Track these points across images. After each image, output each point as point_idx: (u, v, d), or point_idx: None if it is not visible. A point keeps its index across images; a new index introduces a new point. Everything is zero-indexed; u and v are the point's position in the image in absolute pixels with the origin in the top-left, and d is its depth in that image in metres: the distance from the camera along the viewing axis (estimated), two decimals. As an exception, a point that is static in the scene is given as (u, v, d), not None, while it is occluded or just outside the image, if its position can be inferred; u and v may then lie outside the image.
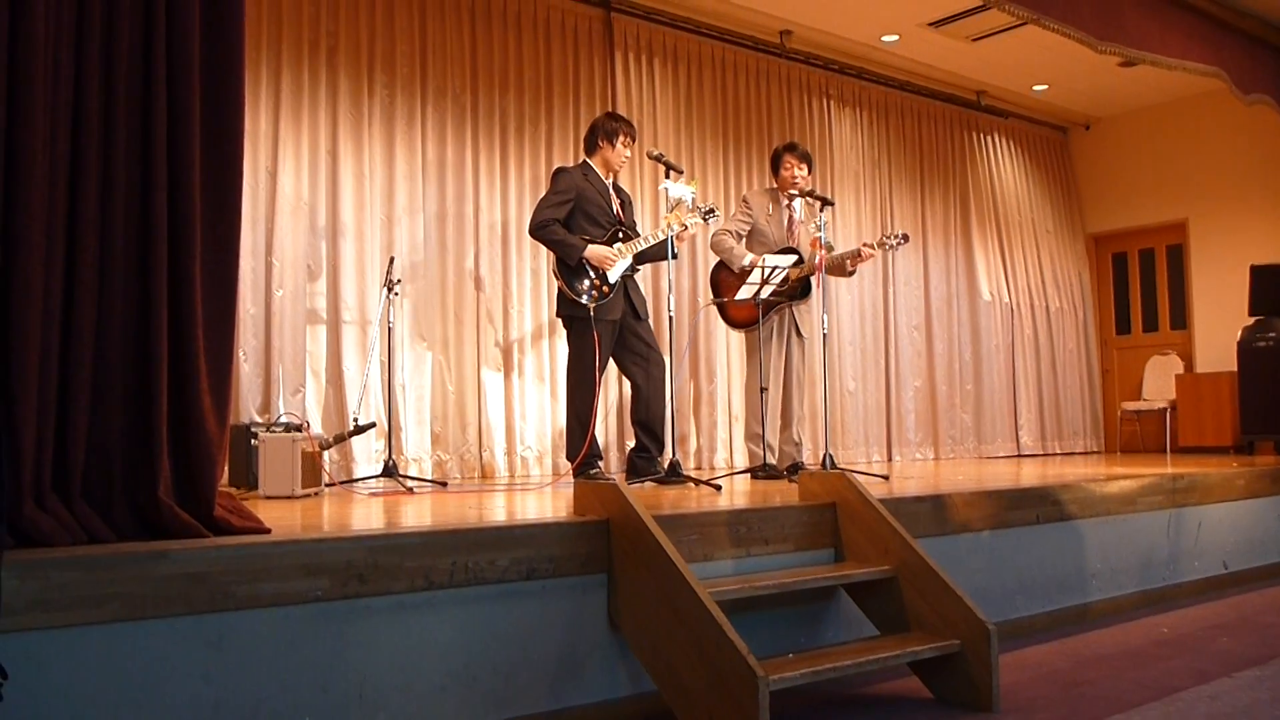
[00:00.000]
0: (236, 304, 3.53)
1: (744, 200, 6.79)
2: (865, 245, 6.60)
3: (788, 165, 6.68)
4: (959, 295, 10.77)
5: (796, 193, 6.66)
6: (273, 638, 3.02)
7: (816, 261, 6.20)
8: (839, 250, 6.83)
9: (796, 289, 6.53)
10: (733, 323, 6.63)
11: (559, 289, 6.01)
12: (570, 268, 5.93)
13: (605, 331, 5.95)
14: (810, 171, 6.75)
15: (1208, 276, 11.23)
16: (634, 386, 6.17)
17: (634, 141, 6.32)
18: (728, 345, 8.76)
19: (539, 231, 6.00)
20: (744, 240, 6.63)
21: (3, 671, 2.50)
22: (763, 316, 6.39)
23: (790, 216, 6.71)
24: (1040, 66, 10.26)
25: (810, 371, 6.80)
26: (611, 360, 6.18)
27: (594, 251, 5.92)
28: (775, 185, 6.81)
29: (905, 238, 6.70)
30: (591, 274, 5.92)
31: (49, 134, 3.02)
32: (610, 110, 7.88)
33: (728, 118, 9.16)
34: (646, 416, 6.07)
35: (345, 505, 4.92)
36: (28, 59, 2.97)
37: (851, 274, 6.91)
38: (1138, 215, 11.84)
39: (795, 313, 6.63)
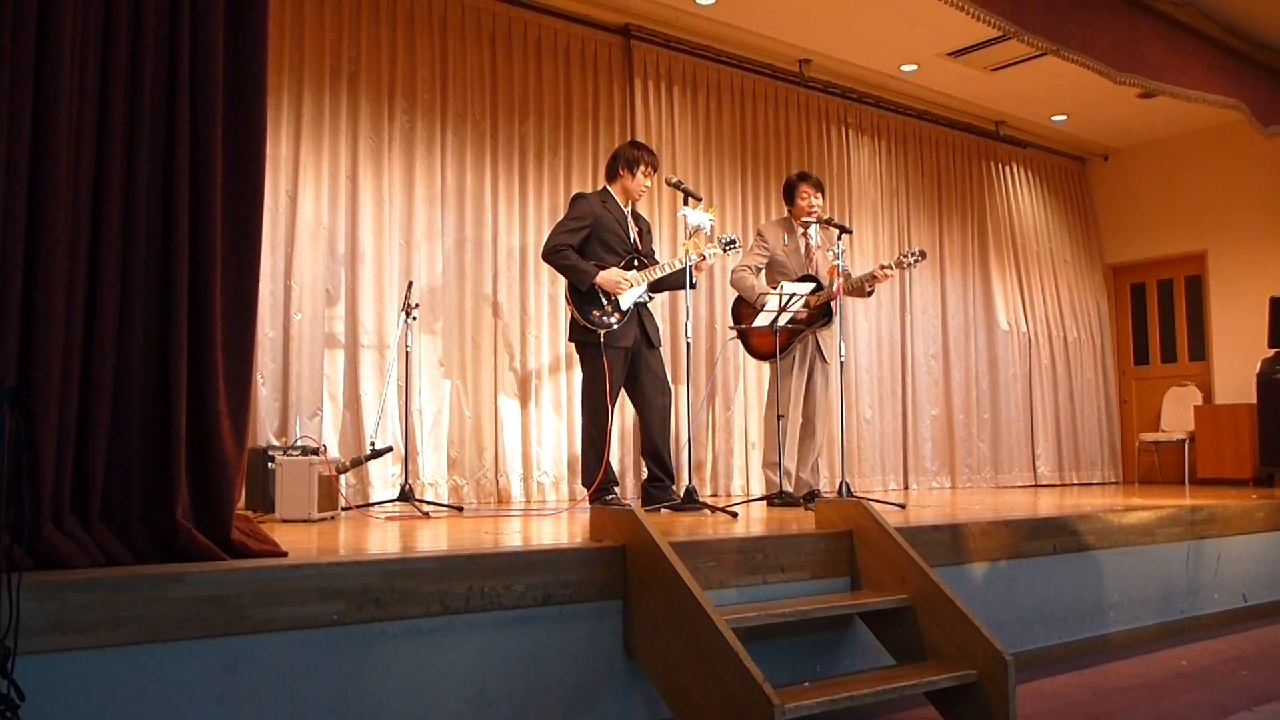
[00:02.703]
0: (255, 327, 3.54)
1: (759, 234, 6.80)
2: (882, 266, 6.61)
3: (804, 194, 6.70)
4: (976, 324, 10.75)
5: (813, 220, 6.67)
6: (289, 661, 3.02)
7: (835, 289, 6.20)
8: (859, 272, 6.84)
9: (818, 315, 6.53)
10: (757, 354, 6.62)
11: (571, 315, 6.02)
12: (582, 293, 5.94)
13: (616, 358, 5.95)
14: (822, 198, 6.77)
15: (1227, 308, 11.19)
16: (641, 417, 6.16)
17: (655, 171, 6.32)
18: (744, 372, 8.75)
19: (551, 256, 6.02)
20: (762, 273, 6.64)
21: (20, 693, 2.50)
22: (786, 346, 6.39)
23: (807, 244, 6.72)
24: (1059, 97, 10.27)
25: (829, 398, 6.78)
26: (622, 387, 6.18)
27: (606, 278, 5.92)
28: (789, 214, 6.82)
29: (922, 254, 6.68)
30: (603, 300, 5.93)
31: (73, 157, 3.05)
32: (631, 138, 7.93)
33: (746, 145, 9.19)
34: (655, 447, 6.05)
35: (361, 529, 4.93)
36: (53, 82, 2.99)
37: (870, 294, 6.90)
38: (1156, 246, 11.82)
39: (819, 338, 6.63)
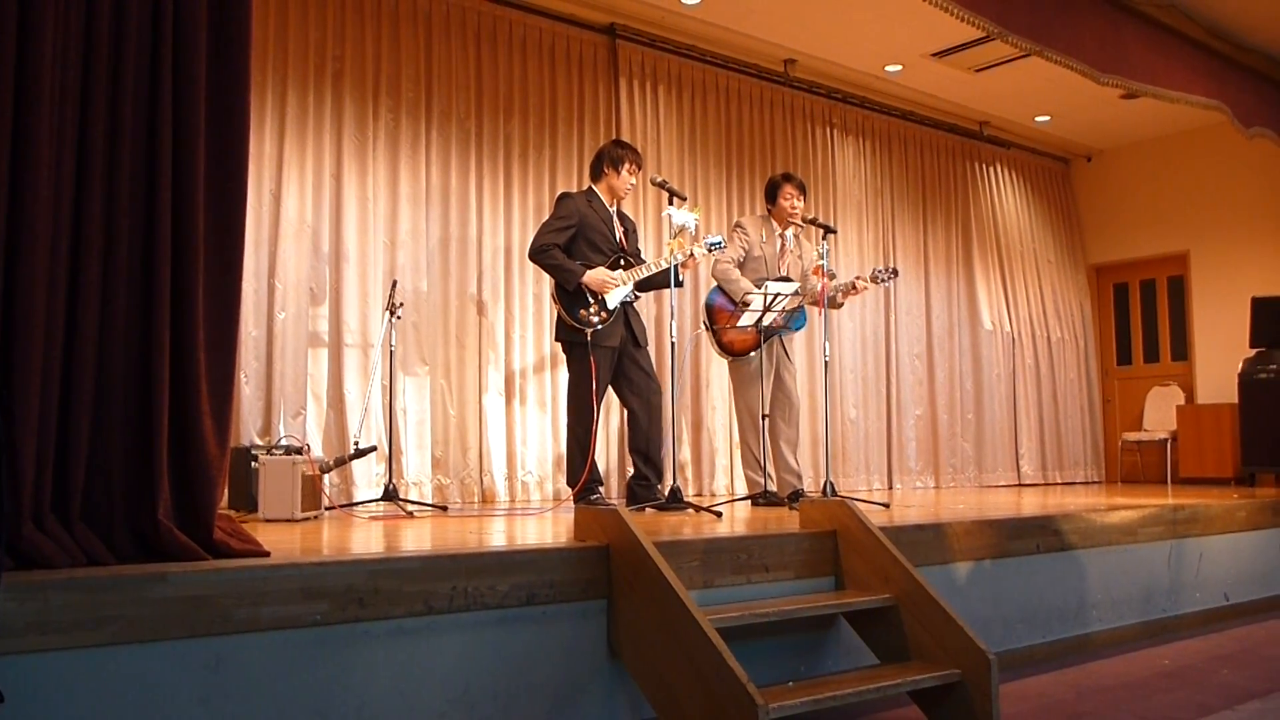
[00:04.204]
0: (239, 326, 3.53)
1: (739, 226, 6.77)
2: (859, 278, 6.63)
3: (787, 195, 6.69)
4: (960, 324, 10.78)
5: (797, 221, 6.67)
6: (271, 662, 3.01)
7: (819, 289, 6.21)
8: (838, 280, 6.85)
9: (790, 319, 6.52)
10: (725, 350, 6.60)
11: (558, 314, 6.02)
12: (569, 293, 5.93)
13: (603, 358, 5.94)
14: (804, 202, 6.77)
15: (1209, 308, 11.25)
16: (631, 415, 6.16)
17: (639, 169, 6.32)
18: (727, 372, 8.74)
19: (538, 256, 6.01)
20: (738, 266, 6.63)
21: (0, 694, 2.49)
22: (754, 347, 6.39)
23: (783, 244, 6.72)
24: (1043, 98, 10.31)
25: (810, 397, 6.79)
26: (611, 387, 6.18)
27: (592, 277, 5.92)
28: (769, 213, 6.81)
29: (895, 272, 6.75)
30: (590, 300, 5.92)
31: (54, 156, 3.03)
32: (616, 137, 7.92)
33: (731, 145, 9.20)
34: (645, 445, 6.05)
35: (345, 529, 4.91)
36: (34, 80, 2.98)
37: (840, 306, 6.91)
38: (1139, 246, 11.88)
39: (783, 339, 6.63)
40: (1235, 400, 10.17)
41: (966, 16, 6.76)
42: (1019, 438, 11.13)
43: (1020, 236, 11.59)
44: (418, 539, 4.34)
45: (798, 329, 6.69)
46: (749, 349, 6.44)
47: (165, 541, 3.08)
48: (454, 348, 7.43)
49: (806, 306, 6.69)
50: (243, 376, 6.46)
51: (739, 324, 6.28)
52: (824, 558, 4.43)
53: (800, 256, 6.80)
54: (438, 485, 7.25)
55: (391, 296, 6.32)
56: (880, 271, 6.69)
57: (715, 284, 6.64)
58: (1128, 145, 11.93)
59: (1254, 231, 10.93)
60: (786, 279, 6.53)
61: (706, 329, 6.62)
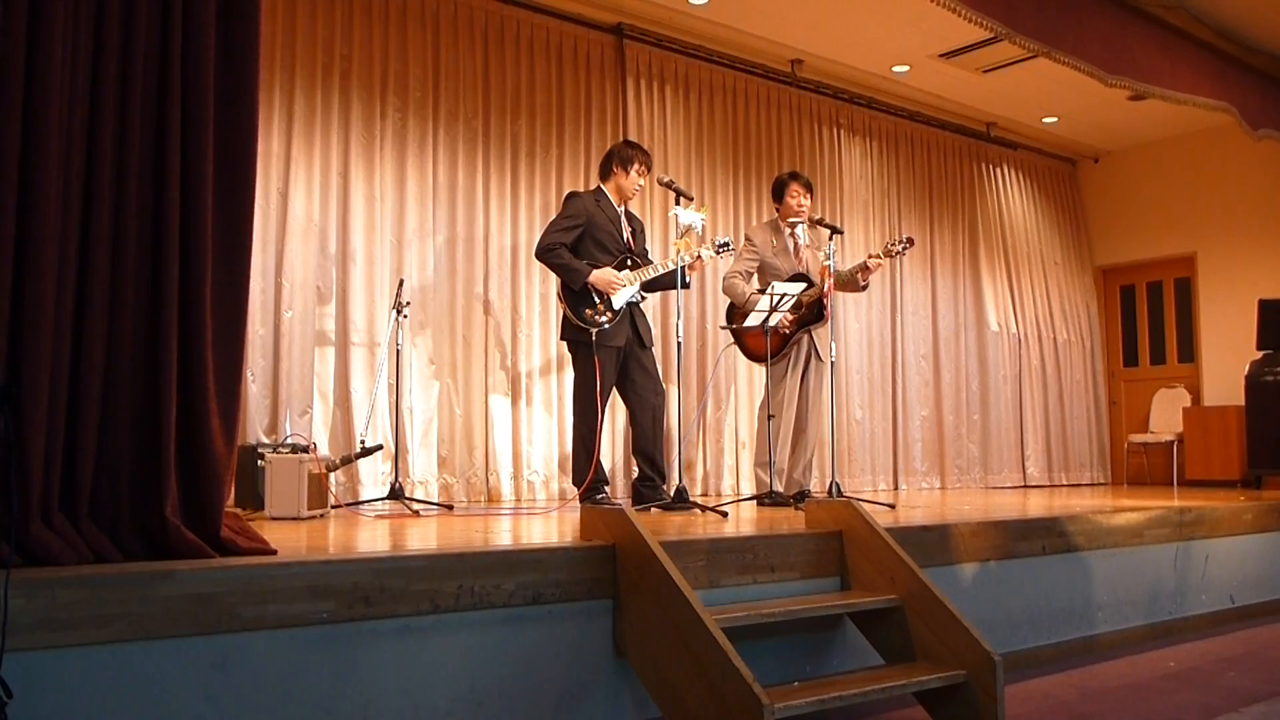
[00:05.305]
0: (246, 325, 3.53)
1: (747, 239, 6.77)
2: (872, 256, 6.61)
3: (794, 194, 6.69)
4: (967, 325, 10.77)
5: (801, 220, 6.67)
6: (278, 659, 3.01)
7: (826, 289, 6.20)
8: (849, 265, 6.84)
9: (811, 314, 6.52)
10: (752, 355, 6.60)
11: (563, 313, 6.02)
12: (575, 293, 5.94)
13: (608, 358, 5.95)
14: (810, 199, 6.76)
15: (1216, 310, 11.24)
16: (634, 416, 6.17)
17: (649, 171, 6.33)
18: (735, 373, 8.76)
19: (545, 255, 6.02)
20: (754, 278, 6.63)
21: (7, 690, 2.50)
22: (781, 348, 6.39)
23: (795, 243, 6.72)
24: (1050, 99, 10.30)
25: (823, 398, 6.76)
26: (615, 387, 6.18)
27: (599, 277, 5.92)
28: (777, 213, 6.81)
29: (910, 241, 6.69)
30: (596, 299, 5.93)
31: (63, 153, 3.03)
32: (624, 138, 7.93)
33: (738, 145, 9.20)
34: (647, 447, 6.06)
35: (351, 527, 4.92)
36: (44, 80, 2.98)
37: (864, 287, 6.86)
38: (1146, 248, 11.86)
39: (814, 337, 6.62)
40: (1242, 402, 10.15)
41: (973, 17, 6.77)
42: (1025, 439, 11.12)
43: (1027, 238, 11.58)
44: (424, 538, 4.35)
45: (819, 320, 6.63)
46: (772, 353, 6.42)
47: (173, 539, 3.09)
48: (460, 347, 7.44)
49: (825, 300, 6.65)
50: (249, 375, 6.47)
51: (745, 324, 6.29)
52: (830, 558, 4.43)
53: (818, 248, 6.79)
54: (443, 484, 7.26)
55: (398, 295, 6.33)
56: (893, 244, 6.64)
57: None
58: (1135, 147, 11.92)
59: (1262, 234, 10.91)
60: (803, 276, 6.53)
61: (735, 341, 6.61)
